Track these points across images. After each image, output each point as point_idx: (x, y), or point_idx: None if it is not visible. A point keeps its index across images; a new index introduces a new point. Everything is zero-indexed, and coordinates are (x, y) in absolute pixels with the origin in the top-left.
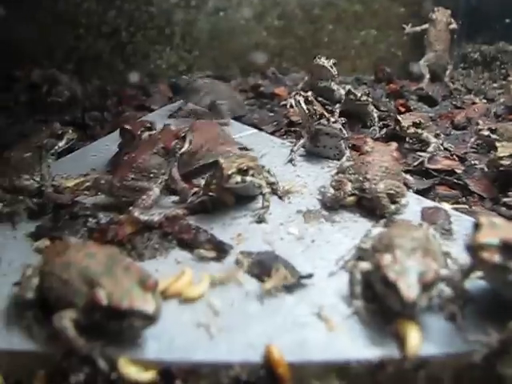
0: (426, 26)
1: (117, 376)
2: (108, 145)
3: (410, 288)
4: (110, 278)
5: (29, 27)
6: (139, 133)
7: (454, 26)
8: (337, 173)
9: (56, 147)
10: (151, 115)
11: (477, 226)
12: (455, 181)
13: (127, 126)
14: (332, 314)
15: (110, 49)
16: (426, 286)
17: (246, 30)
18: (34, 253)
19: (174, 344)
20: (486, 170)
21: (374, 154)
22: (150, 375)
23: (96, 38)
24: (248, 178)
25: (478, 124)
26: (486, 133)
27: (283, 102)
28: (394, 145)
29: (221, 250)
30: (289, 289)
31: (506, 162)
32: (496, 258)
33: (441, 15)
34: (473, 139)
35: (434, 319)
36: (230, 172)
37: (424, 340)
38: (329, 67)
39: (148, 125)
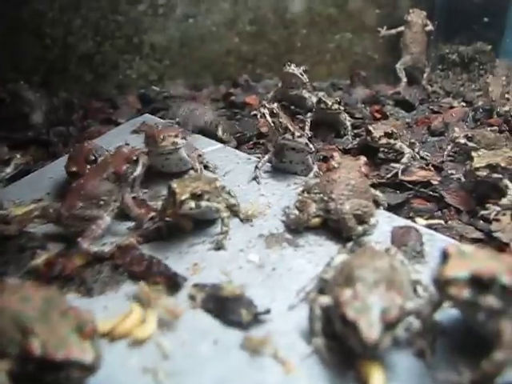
0: (401, 28)
1: None
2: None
3: (371, 328)
4: (44, 325)
5: None
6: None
7: (430, 27)
8: (302, 191)
9: (3, 173)
10: (114, 131)
11: (444, 256)
12: (431, 193)
13: (74, 169)
14: (290, 353)
15: (77, 59)
16: (390, 325)
17: (217, 37)
18: None
19: None
20: (463, 180)
21: (341, 171)
22: None
23: (63, 48)
24: (203, 203)
25: (454, 131)
26: (463, 141)
27: (253, 112)
28: (363, 159)
29: (174, 282)
30: (244, 326)
31: (482, 173)
32: (465, 293)
33: (416, 17)
34: (449, 147)
35: (401, 356)
36: (183, 197)
37: (389, 381)
38: (299, 74)
39: (92, 157)
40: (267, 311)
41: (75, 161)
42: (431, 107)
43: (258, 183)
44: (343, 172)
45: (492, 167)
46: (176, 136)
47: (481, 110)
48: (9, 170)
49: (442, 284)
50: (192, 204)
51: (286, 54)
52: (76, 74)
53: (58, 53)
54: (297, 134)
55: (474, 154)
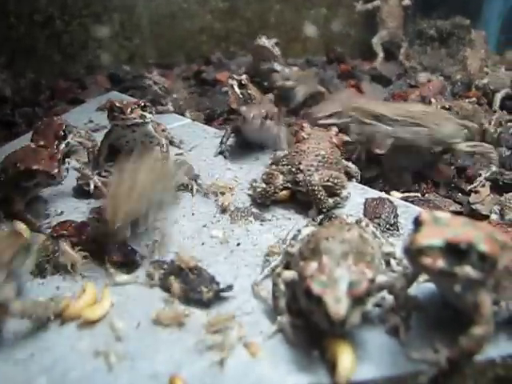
0: (377, 2)
1: None
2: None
3: (338, 303)
4: None
5: None
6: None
7: (407, 1)
8: (270, 164)
9: None
10: (79, 108)
11: (417, 224)
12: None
13: (41, 143)
14: (253, 333)
15: (44, 39)
16: (359, 299)
17: (189, 14)
18: None
19: (68, 377)
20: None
21: (310, 142)
22: None
23: (29, 27)
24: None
25: (430, 102)
26: None
27: (224, 89)
28: (334, 130)
29: (131, 260)
30: (204, 304)
31: None
32: (439, 263)
33: None
34: None
35: (372, 334)
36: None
37: (360, 361)
38: (270, 47)
39: (62, 133)
40: (229, 287)
41: (43, 135)
42: (408, 81)
43: (225, 157)
44: (312, 143)
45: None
46: (143, 109)
47: (459, 84)
48: None
49: (414, 253)
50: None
51: (259, 31)
52: (44, 54)
53: (24, 32)
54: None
55: None
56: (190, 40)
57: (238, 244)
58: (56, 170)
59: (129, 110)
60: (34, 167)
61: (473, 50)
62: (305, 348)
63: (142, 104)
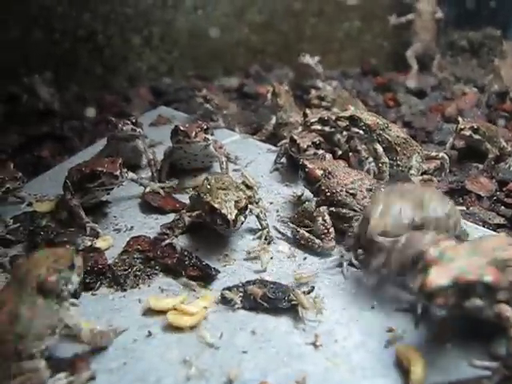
0: (411, 16)
1: None
2: (87, 160)
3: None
4: None
5: (1, 34)
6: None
7: (439, 14)
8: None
9: None
10: None
11: (424, 265)
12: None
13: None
14: (328, 340)
15: (87, 53)
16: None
17: (226, 27)
18: None
19: None
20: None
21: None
22: None
23: (72, 42)
24: (247, 213)
25: (458, 122)
26: (468, 133)
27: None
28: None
29: (207, 274)
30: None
31: None
32: (451, 301)
33: (426, 4)
34: (451, 139)
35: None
36: (233, 216)
37: (429, 368)
38: (313, 65)
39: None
40: (311, 289)
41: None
42: (443, 94)
43: (281, 174)
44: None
45: None
46: (206, 131)
47: (493, 96)
48: None
49: (427, 296)
50: (242, 218)
51: (295, 44)
52: (86, 68)
53: (68, 47)
54: None
55: None
56: (227, 53)
57: (305, 258)
58: (118, 172)
59: (193, 133)
60: (99, 169)
61: (504, 60)
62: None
63: (205, 127)
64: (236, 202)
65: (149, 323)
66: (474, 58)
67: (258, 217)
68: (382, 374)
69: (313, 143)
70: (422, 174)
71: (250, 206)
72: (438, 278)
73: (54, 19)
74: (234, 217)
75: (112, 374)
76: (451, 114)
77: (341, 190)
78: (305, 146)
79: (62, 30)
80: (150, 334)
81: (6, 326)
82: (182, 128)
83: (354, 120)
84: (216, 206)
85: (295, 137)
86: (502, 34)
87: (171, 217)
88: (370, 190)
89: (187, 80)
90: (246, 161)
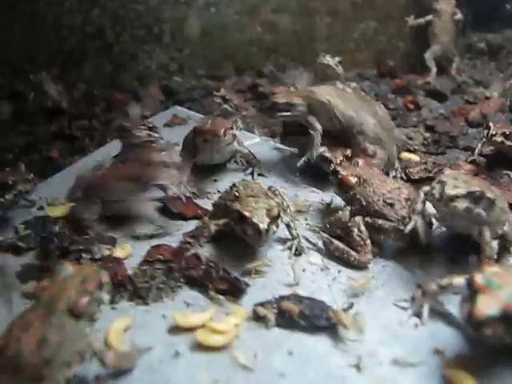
0: (429, 17)
1: None
2: (99, 160)
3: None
4: None
5: (7, 30)
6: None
7: (459, 16)
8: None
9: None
10: None
11: (472, 289)
12: None
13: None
14: (372, 362)
15: (95, 50)
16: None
17: (239, 26)
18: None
19: None
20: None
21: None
22: None
23: (80, 39)
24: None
25: (489, 128)
26: (500, 139)
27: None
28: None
29: (236, 288)
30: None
31: None
32: (500, 331)
33: (445, 5)
34: (479, 145)
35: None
36: (265, 226)
37: None
38: (334, 66)
39: (150, 124)
40: (351, 305)
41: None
42: (465, 98)
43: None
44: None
45: None
46: (232, 128)
47: None
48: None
49: (475, 326)
50: (274, 228)
51: (309, 44)
52: (95, 66)
53: (76, 44)
54: None
55: None
56: (239, 52)
57: (339, 271)
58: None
59: (222, 132)
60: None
61: None
62: None
63: (231, 124)
64: (268, 210)
65: (175, 341)
66: (493, 60)
67: (288, 226)
68: None
69: (345, 156)
70: None
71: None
72: (486, 306)
73: (62, 15)
74: (266, 226)
75: None
76: (475, 119)
77: (378, 200)
78: (338, 161)
79: (70, 26)
80: (177, 353)
81: (32, 349)
82: (209, 127)
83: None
84: (247, 214)
85: (326, 154)
86: None
87: (193, 224)
88: (408, 199)
89: (198, 79)
90: (269, 165)
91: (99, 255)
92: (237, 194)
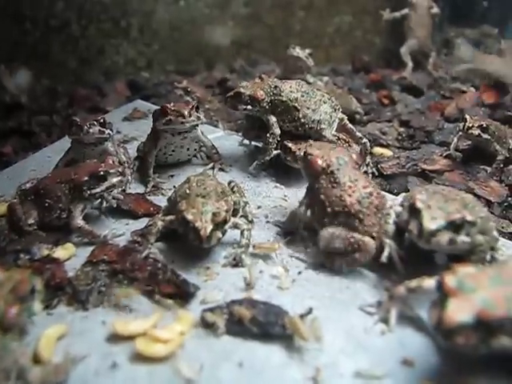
0: (405, 10)
1: None
2: (50, 156)
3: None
4: None
5: None
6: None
7: (435, 10)
8: None
9: None
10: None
11: (442, 292)
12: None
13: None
14: (332, 374)
15: (60, 44)
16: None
17: (209, 20)
18: None
19: None
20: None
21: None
22: None
23: (44, 32)
24: (226, 227)
25: (465, 120)
26: (477, 132)
27: None
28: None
29: (184, 292)
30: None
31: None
32: (473, 340)
33: None
34: (455, 139)
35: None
36: (207, 231)
37: None
38: (304, 58)
39: (101, 120)
40: (309, 311)
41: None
42: (441, 92)
43: (269, 174)
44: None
45: None
46: (197, 110)
47: None
48: None
49: (445, 334)
50: (219, 234)
51: (282, 38)
52: (59, 60)
53: (39, 37)
54: None
55: None
56: (209, 46)
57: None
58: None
59: (186, 112)
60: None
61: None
62: None
63: (196, 105)
64: (214, 214)
65: (114, 351)
66: None
67: (242, 233)
68: None
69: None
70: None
71: (234, 219)
72: (457, 311)
73: (24, 7)
74: (207, 233)
75: None
76: (451, 114)
77: (344, 209)
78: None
79: (33, 18)
80: (114, 364)
81: None
82: (172, 107)
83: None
84: (190, 218)
85: (289, 144)
86: (499, 31)
87: (144, 222)
88: (378, 210)
89: (167, 75)
90: (231, 160)
91: (38, 256)
92: (188, 190)
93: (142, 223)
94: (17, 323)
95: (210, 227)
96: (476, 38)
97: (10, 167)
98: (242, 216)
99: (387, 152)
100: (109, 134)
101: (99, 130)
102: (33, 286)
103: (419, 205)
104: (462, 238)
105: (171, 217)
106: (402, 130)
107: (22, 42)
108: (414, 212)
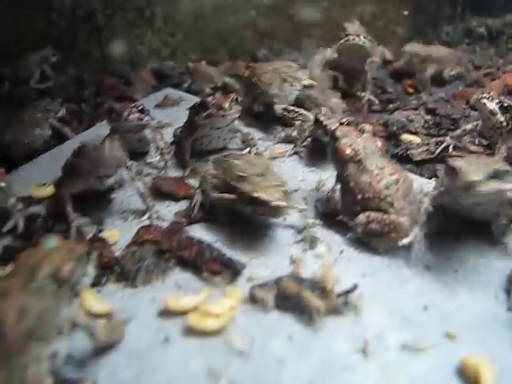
0: None
1: None
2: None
3: None
4: None
5: None
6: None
7: None
8: None
9: None
10: None
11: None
12: None
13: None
14: (379, 347)
15: (85, 34)
16: None
17: (233, 10)
18: None
19: None
20: None
21: None
22: None
23: (70, 22)
24: None
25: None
26: (492, 106)
27: None
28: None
29: (231, 270)
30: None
31: None
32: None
33: None
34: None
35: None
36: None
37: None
38: (369, 48)
39: (140, 107)
40: (354, 287)
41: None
42: (467, 82)
43: (301, 158)
44: None
45: None
46: (237, 101)
47: None
48: None
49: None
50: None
51: (304, 29)
52: (84, 50)
53: (65, 27)
54: None
55: None
56: (233, 36)
57: (341, 251)
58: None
59: (227, 105)
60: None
61: None
62: None
63: (236, 97)
64: (280, 188)
65: (166, 326)
66: (492, 46)
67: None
68: None
69: (341, 124)
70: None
71: None
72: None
73: None
74: (285, 205)
75: None
76: None
77: (373, 197)
78: (333, 128)
79: (59, 9)
80: (167, 339)
81: (11, 320)
82: (212, 100)
83: None
84: (265, 197)
85: (322, 118)
86: None
87: (184, 204)
88: (407, 194)
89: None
90: (263, 146)
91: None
92: (241, 173)
93: (182, 205)
94: (71, 279)
95: (284, 203)
96: (498, 27)
97: (47, 153)
98: None
99: (416, 139)
100: (147, 120)
101: (138, 117)
102: (89, 250)
103: (458, 164)
104: (510, 186)
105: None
106: (428, 117)
107: (48, 33)
108: (454, 174)
